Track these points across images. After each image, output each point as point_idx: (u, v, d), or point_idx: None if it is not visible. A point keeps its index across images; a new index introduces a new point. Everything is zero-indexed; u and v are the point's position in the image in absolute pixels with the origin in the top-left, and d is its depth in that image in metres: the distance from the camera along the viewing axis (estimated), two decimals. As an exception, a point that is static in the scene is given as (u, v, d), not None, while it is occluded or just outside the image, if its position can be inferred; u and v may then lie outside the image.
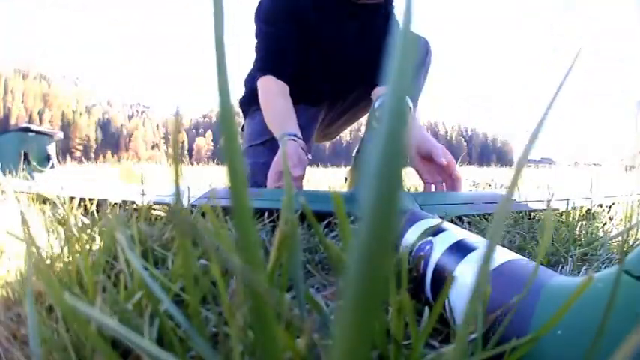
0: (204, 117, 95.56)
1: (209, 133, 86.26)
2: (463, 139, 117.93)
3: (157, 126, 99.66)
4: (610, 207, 0.76)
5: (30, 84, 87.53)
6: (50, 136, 1.33)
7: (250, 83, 1.14)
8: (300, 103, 1.12)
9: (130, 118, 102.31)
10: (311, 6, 1.03)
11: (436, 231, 0.36)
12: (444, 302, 0.29)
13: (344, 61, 1.11)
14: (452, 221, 0.58)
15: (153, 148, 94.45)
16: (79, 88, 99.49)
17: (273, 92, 1.00)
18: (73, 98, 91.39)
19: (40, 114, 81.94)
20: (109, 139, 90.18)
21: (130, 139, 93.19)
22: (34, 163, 1.19)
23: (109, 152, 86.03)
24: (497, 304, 0.23)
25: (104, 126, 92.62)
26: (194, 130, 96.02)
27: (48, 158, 1.28)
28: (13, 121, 77.74)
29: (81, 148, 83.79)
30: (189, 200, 0.59)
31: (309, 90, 1.15)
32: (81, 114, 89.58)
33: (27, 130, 1.24)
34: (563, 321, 0.19)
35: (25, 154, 1.17)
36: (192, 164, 4.57)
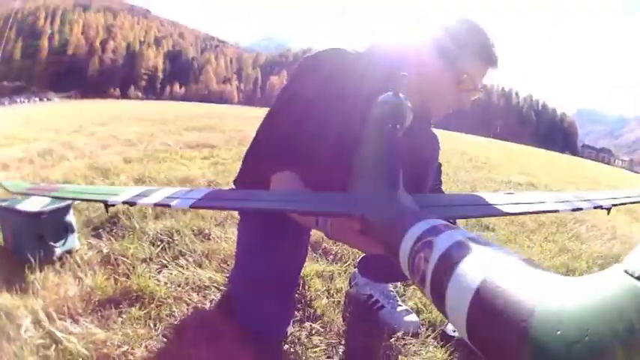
0: (281, 56, 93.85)
1: (284, 73, 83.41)
2: (533, 113, 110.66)
3: (230, 60, 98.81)
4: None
5: (91, 16, 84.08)
6: (67, 207, 1.27)
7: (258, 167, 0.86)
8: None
9: (203, 51, 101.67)
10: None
11: (436, 231, 0.36)
12: (445, 300, 0.30)
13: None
14: (453, 222, 0.59)
15: (224, 82, 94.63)
16: (148, 21, 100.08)
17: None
18: (141, 30, 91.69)
19: (103, 44, 79.53)
20: (178, 71, 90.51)
21: (200, 72, 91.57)
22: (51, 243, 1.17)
23: (177, 83, 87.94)
24: (497, 301, 0.24)
25: (173, 58, 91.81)
26: (268, 68, 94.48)
27: (67, 229, 1.25)
28: (70, 51, 75.28)
29: (146, 77, 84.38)
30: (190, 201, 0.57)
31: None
32: (149, 45, 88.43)
33: (39, 215, 1.18)
34: (563, 321, 0.20)
35: (40, 236, 1.15)
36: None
